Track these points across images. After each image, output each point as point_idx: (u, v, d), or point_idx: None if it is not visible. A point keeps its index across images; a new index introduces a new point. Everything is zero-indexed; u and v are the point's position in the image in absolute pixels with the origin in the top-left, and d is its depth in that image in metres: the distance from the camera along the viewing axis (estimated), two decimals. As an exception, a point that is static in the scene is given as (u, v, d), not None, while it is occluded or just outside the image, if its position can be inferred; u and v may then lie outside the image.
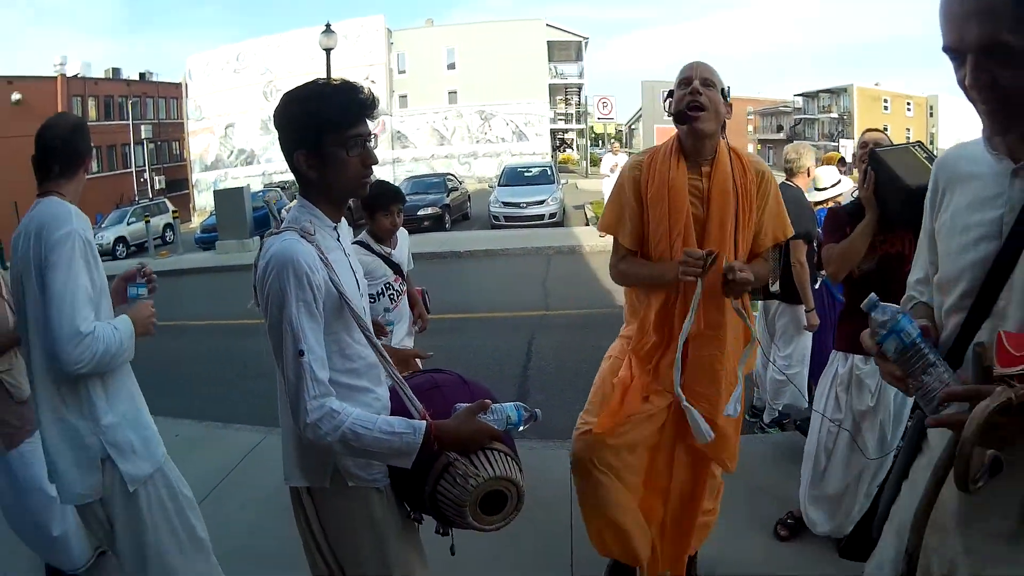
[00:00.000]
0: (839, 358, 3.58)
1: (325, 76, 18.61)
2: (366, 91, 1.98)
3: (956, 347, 1.52)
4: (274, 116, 1.99)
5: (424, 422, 1.88)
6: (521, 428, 2.05)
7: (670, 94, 2.81)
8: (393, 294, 4.03)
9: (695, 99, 2.67)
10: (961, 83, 1.37)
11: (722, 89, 2.76)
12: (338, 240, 2.08)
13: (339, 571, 2.16)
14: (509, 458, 1.99)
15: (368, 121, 1.99)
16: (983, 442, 1.27)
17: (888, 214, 3.25)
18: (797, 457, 4.17)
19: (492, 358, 7.38)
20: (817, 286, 5.14)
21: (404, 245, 4.23)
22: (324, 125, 1.91)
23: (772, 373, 5.26)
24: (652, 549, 3.11)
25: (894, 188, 3.15)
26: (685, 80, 2.73)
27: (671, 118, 2.80)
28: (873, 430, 3.46)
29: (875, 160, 3.26)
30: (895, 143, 3.48)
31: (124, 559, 2.69)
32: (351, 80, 2.03)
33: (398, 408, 2.03)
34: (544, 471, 4.38)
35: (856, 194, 3.75)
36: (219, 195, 20.88)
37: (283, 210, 20.84)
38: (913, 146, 3.33)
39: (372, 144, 2.03)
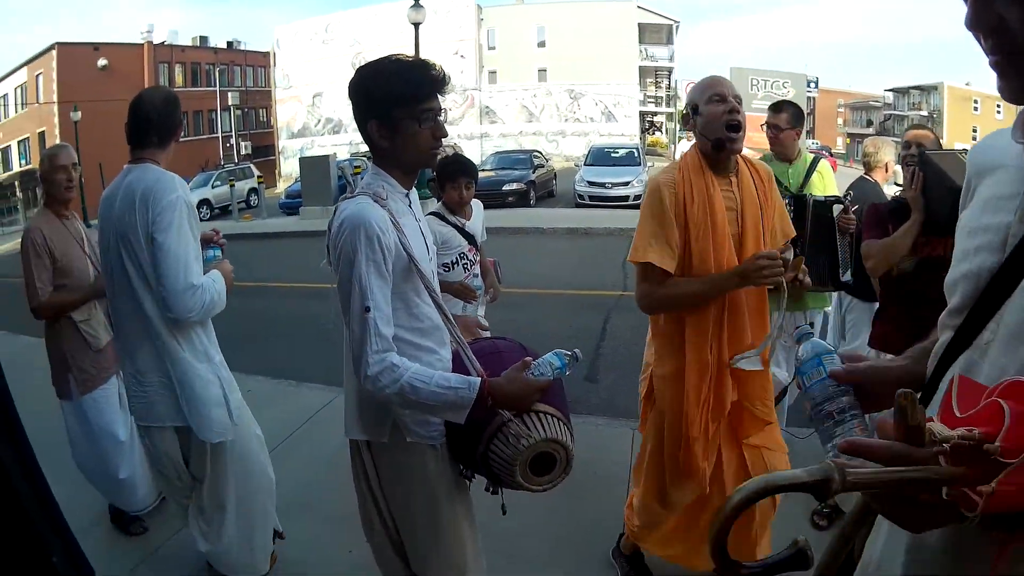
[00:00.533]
0: (872, 356, 3.49)
1: (413, 50, 18.76)
2: (438, 68, 2.07)
3: (936, 373, 1.19)
4: (349, 87, 2.08)
5: (479, 379, 1.96)
6: (568, 372, 2.09)
7: (695, 109, 2.71)
8: (467, 264, 4.06)
9: (734, 118, 2.60)
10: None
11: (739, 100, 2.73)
12: (409, 207, 2.16)
13: (391, 524, 2.28)
14: (561, 422, 2.08)
15: (440, 96, 2.06)
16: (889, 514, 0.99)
17: (934, 216, 3.22)
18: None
19: (566, 334, 7.26)
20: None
21: (478, 217, 4.25)
22: (397, 98, 2.00)
23: None
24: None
25: (944, 190, 3.11)
26: (718, 96, 2.64)
27: (696, 135, 2.73)
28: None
29: (925, 161, 3.25)
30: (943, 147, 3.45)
31: (204, 498, 2.99)
32: (424, 58, 2.15)
33: (459, 370, 2.10)
34: (605, 448, 4.42)
35: (899, 193, 3.70)
36: (305, 162, 21.35)
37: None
38: (962, 152, 3.27)
39: (443, 118, 2.10)
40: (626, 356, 6.76)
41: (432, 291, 2.11)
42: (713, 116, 2.61)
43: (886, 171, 5.01)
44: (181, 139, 2.91)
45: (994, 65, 0.97)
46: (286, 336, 8.12)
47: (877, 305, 4.76)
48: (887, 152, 4.99)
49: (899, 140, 3.71)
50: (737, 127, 2.60)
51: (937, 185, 3.18)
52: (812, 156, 4.42)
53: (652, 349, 3.05)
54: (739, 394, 2.78)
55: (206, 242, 2.99)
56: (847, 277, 3.97)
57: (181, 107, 2.95)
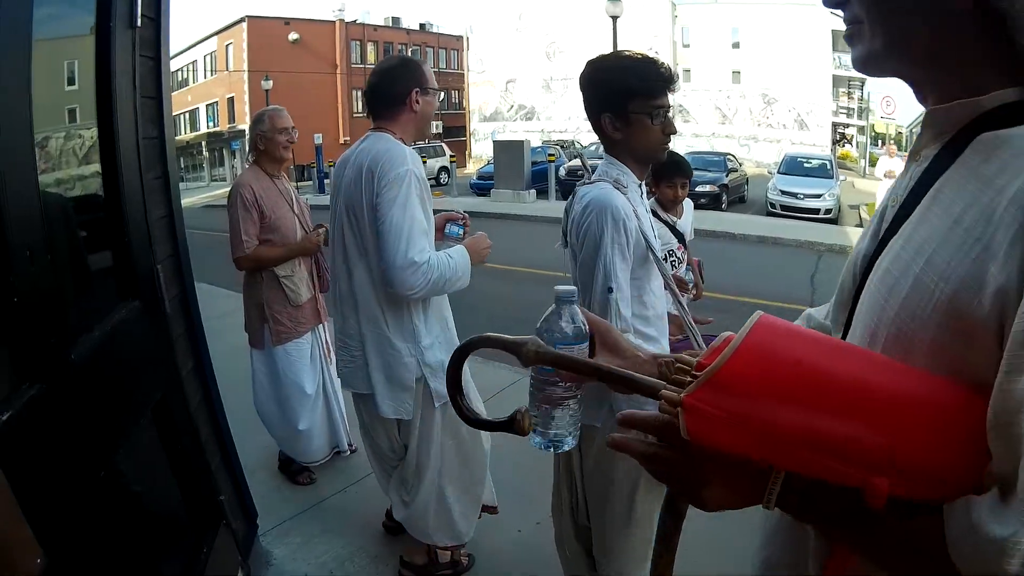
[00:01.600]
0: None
1: (612, 44, 18.66)
2: (666, 66, 2.14)
3: None
4: (580, 80, 2.16)
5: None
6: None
7: None
8: (675, 261, 4.04)
9: None
10: None
11: None
12: (641, 197, 2.23)
13: (584, 509, 2.35)
14: None
15: (669, 94, 2.13)
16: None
17: None
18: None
19: None
20: None
21: (688, 216, 4.25)
22: (632, 92, 2.07)
23: None
24: None
25: None
26: None
27: None
28: None
29: None
30: None
31: (408, 467, 2.98)
32: (651, 55, 2.17)
33: None
34: None
35: None
36: (499, 145, 21.55)
37: (560, 168, 21.15)
38: None
39: (671, 115, 2.17)
40: None
41: (667, 278, 2.20)
42: None
43: None
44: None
45: (848, 36, 0.91)
46: (478, 314, 8.20)
47: None
48: None
49: None
50: None
51: None
52: None
53: None
54: None
55: (450, 220, 3.02)
56: None
57: (415, 75, 2.80)
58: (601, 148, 2.27)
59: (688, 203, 4.27)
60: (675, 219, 4.11)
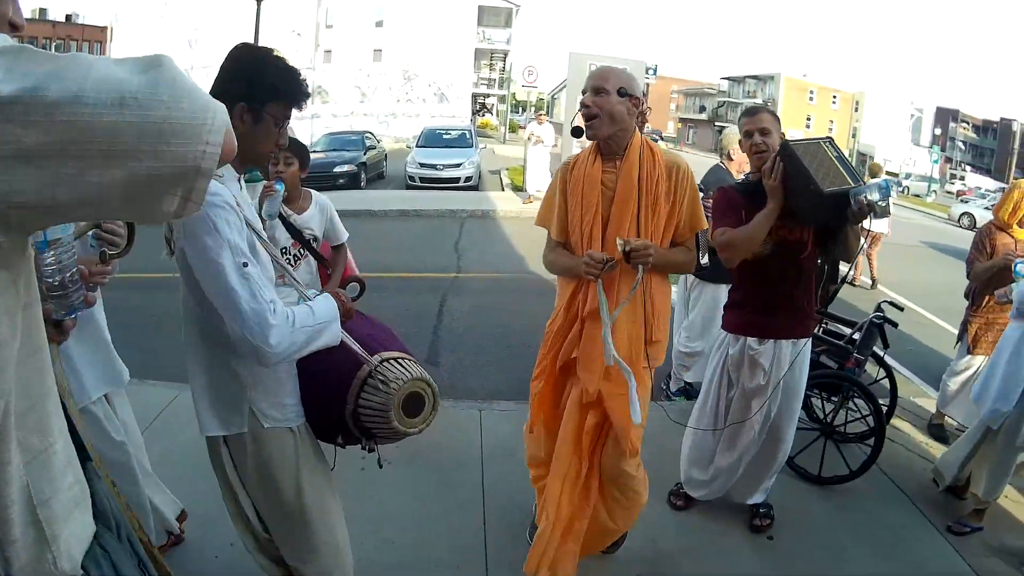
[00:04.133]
0: (730, 339, 3.70)
1: (255, 28, 17.99)
2: (306, 85, 2.09)
3: None
4: (229, 60, 2.00)
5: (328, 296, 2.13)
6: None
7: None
8: (291, 258, 3.80)
9: (586, 111, 2.90)
10: None
11: (619, 89, 2.87)
12: (240, 190, 2.11)
13: (256, 515, 2.30)
14: (417, 363, 2.16)
15: (294, 111, 2.07)
16: None
17: (794, 209, 3.30)
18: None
19: (403, 317, 7.34)
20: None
21: (314, 209, 3.97)
22: (276, 95, 2.00)
23: (678, 345, 5.47)
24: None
25: (806, 188, 3.18)
26: (582, 90, 2.97)
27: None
28: (762, 408, 3.62)
29: (786, 153, 3.24)
30: (809, 140, 3.41)
31: None
32: (293, 64, 2.08)
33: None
34: (457, 429, 4.48)
35: (745, 174, 3.92)
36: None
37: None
38: (824, 141, 3.35)
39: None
40: (464, 336, 6.99)
41: (282, 266, 2.12)
42: (581, 104, 2.93)
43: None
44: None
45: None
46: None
47: (725, 287, 5.03)
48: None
49: (736, 125, 3.83)
50: (589, 116, 2.89)
51: (799, 178, 3.19)
52: None
53: None
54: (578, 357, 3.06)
55: None
56: (704, 260, 3.99)
57: None
58: None
59: (315, 195, 4.01)
60: (294, 214, 3.77)
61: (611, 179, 2.95)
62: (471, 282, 9.27)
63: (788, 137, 3.38)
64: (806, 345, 3.65)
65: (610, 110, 2.86)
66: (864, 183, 3.20)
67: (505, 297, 8.44)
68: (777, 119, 3.59)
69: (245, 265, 1.87)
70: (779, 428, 3.69)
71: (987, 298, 4.82)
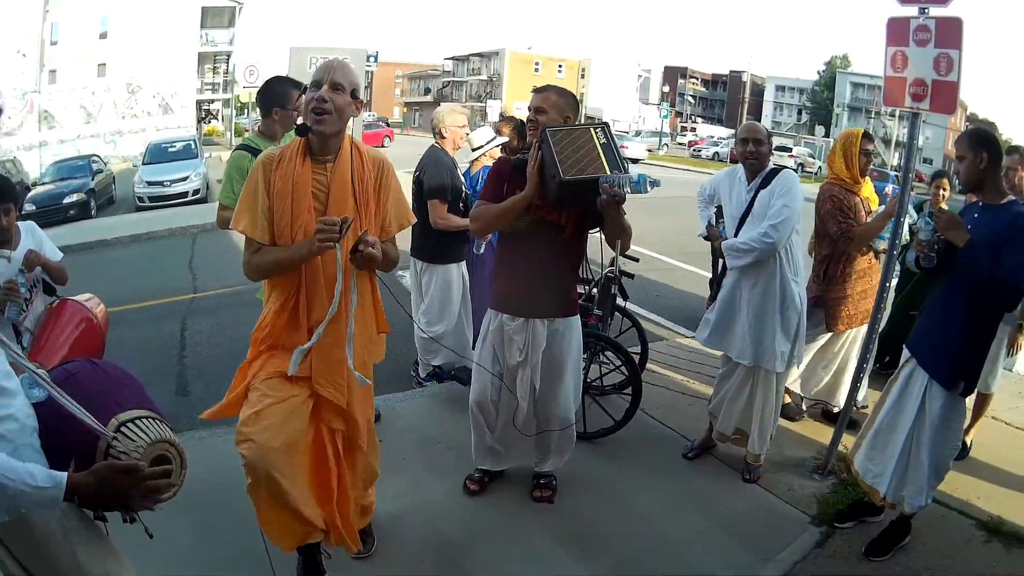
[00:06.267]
0: (491, 315, 3.80)
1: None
2: None
3: None
4: None
5: (64, 476, 1.74)
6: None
7: (304, 90, 2.95)
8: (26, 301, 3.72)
9: (319, 105, 2.75)
10: None
11: (354, 90, 2.85)
12: None
13: None
14: (157, 420, 1.99)
15: None
16: None
17: (546, 194, 3.38)
18: (459, 405, 4.52)
19: (147, 351, 6.98)
20: (481, 251, 5.48)
21: (27, 240, 3.88)
22: None
23: (418, 331, 5.42)
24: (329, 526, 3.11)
25: (550, 176, 3.25)
26: (316, 83, 2.81)
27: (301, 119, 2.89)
28: (524, 381, 3.75)
29: (543, 140, 3.29)
30: (579, 125, 3.44)
31: None
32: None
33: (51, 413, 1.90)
34: (218, 459, 4.08)
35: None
36: None
37: None
38: (596, 127, 3.37)
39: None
40: (211, 361, 6.77)
41: (13, 352, 1.93)
42: (307, 101, 2.80)
43: (452, 138, 5.30)
44: None
45: None
46: None
47: (455, 267, 5.24)
48: (452, 117, 5.28)
49: (465, 106, 3.94)
50: (321, 111, 2.75)
51: (548, 167, 3.24)
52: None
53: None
54: (313, 371, 2.88)
55: None
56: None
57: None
58: None
59: (28, 226, 3.91)
60: (8, 252, 3.73)
61: (323, 181, 2.87)
62: (209, 301, 9.03)
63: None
64: (567, 323, 3.75)
65: (342, 107, 2.81)
66: (625, 171, 3.24)
67: (245, 311, 7.94)
68: (769, 133, 4.24)
69: None
70: (546, 404, 3.83)
71: (842, 268, 4.76)
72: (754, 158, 4.12)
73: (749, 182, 4.23)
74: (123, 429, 1.89)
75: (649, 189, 3.26)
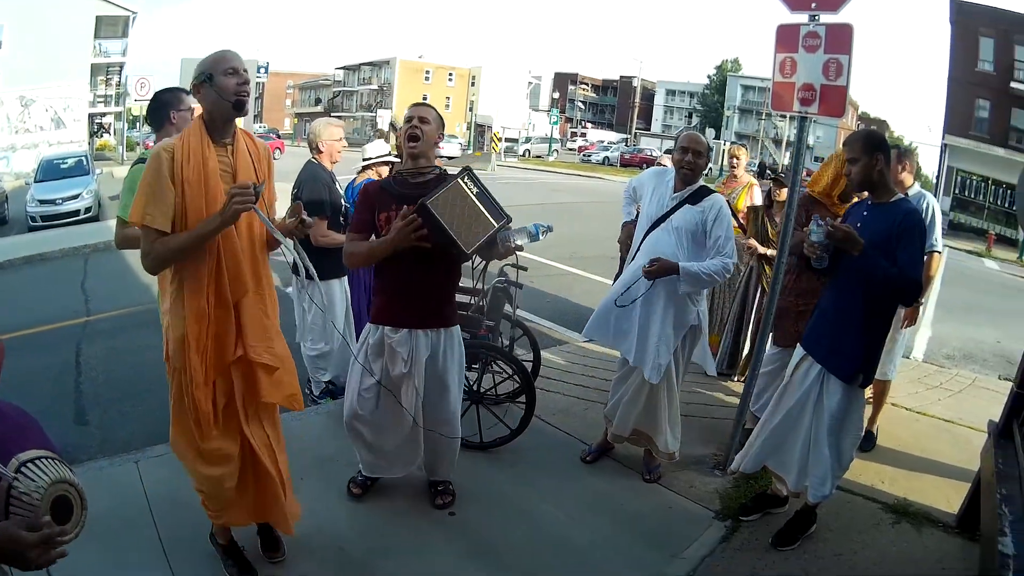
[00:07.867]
0: (371, 329, 3.81)
1: None
2: None
3: None
4: None
5: None
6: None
7: (210, 78, 2.96)
8: None
9: (244, 89, 3.00)
10: None
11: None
12: None
13: None
14: (55, 460, 1.90)
15: None
16: None
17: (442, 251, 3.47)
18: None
19: (41, 380, 6.67)
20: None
21: None
22: None
23: (305, 349, 5.46)
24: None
25: (450, 246, 3.37)
26: (232, 69, 2.99)
27: (207, 102, 3.00)
28: (409, 393, 3.77)
29: (425, 214, 3.33)
30: (448, 182, 3.45)
31: None
32: None
33: None
34: (117, 490, 4.13)
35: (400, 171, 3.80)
36: None
37: None
38: (460, 177, 3.43)
39: None
40: (107, 386, 6.56)
41: None
42: (227, 87, 2.92)
43: (326, 151, 5.31)
44: None
45: None
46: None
47: (337, 282, 5.22)
48: (328, 131, 5.31)
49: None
50: (247, 95, 2.98)
51: (439, 232, 3.33)
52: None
53: (166, 317, 3.12)
54: (244, 344, 3.05)
55: None
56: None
57: None
58: None
59: None
60: None
61: (227, 162, 3.00)
62: (103, 323, 8.76)
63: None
64: (448, 332, 3.83)
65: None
66: (502, 213, 3.46)
67: (140, 332, 8.01)
68: (709, 147, 4.29)
69: None
70: (434, 412, 3.90)
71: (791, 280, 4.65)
72: (689, 168, 4.21)
73: (676, 190, 4.29)
74: (23, 469, 1.81)
75: (543, 236, 3.57)
